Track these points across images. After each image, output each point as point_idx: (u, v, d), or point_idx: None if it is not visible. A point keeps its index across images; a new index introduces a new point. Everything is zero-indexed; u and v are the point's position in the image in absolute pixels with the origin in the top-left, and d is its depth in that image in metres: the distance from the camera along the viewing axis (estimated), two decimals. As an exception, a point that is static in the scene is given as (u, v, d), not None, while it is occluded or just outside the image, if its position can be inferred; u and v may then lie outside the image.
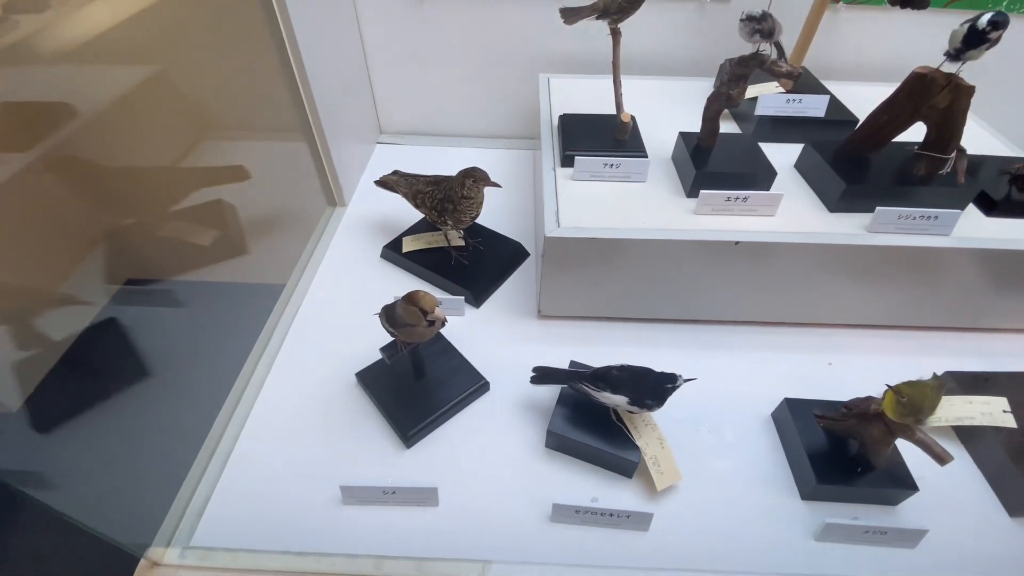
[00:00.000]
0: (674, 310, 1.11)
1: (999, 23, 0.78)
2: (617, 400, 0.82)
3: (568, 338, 1.10)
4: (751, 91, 1.19)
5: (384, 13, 1.46)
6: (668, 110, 1.32)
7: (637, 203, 1.04)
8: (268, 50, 1.12)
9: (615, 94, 1.10)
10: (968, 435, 0.94)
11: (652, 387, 0.82)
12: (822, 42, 1.43)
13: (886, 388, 0.72)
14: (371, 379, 0.98)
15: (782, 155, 1.15)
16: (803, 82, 1.32)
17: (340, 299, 1.18)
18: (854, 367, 1.06)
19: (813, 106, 1.16)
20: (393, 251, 1.24)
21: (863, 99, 1.17)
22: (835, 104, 1.24)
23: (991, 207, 1.03)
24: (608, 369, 0.86)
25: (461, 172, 1.05)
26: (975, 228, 0.99)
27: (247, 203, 1.25)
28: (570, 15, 0.99)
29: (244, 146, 1.24)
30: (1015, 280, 1.01)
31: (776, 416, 0.96)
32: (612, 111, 1.13)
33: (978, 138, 1.25)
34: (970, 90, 0.88)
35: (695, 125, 1.08)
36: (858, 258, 0.98)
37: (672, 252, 0.99)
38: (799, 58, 1.19)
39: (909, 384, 0.70)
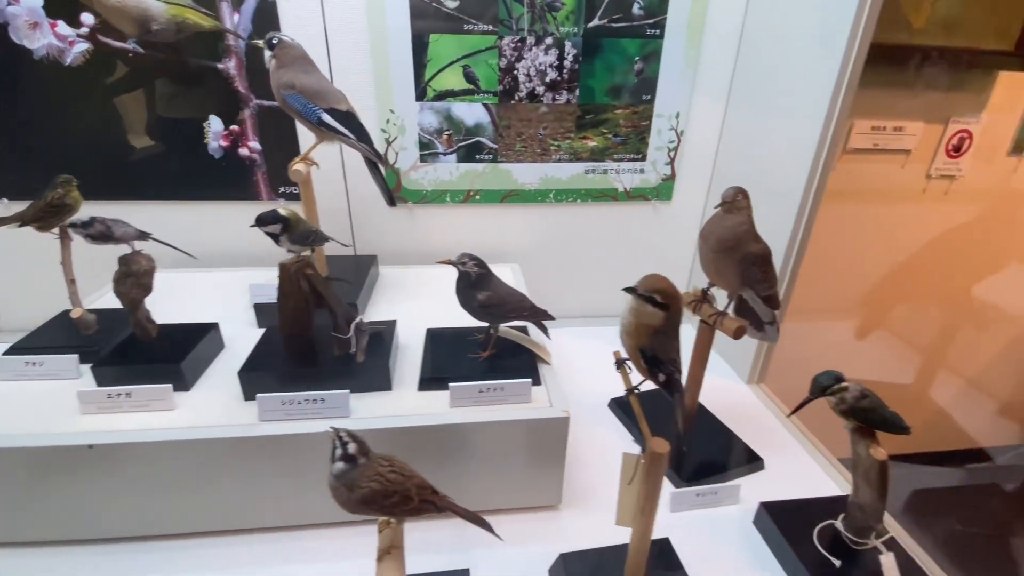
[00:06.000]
0: (121, 526, 0.95)
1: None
2: None
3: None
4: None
5: None
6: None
7: (45, 403, 0.94)
8: None
9: (68, 292, 1.07)
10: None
11: None
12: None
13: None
14: None
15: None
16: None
17: None
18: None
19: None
20: None
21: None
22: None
23: (425, 384, 1.00)
24: None
25: None
26: (399, 405, 0.96)
27: None
28: (-6, 223, 0.99)
29: None
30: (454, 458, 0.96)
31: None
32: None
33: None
34: (321, 278, 0.92)
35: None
36: (264, 451, 0.90)
37: (54, 460, 0.86)
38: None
39: None
